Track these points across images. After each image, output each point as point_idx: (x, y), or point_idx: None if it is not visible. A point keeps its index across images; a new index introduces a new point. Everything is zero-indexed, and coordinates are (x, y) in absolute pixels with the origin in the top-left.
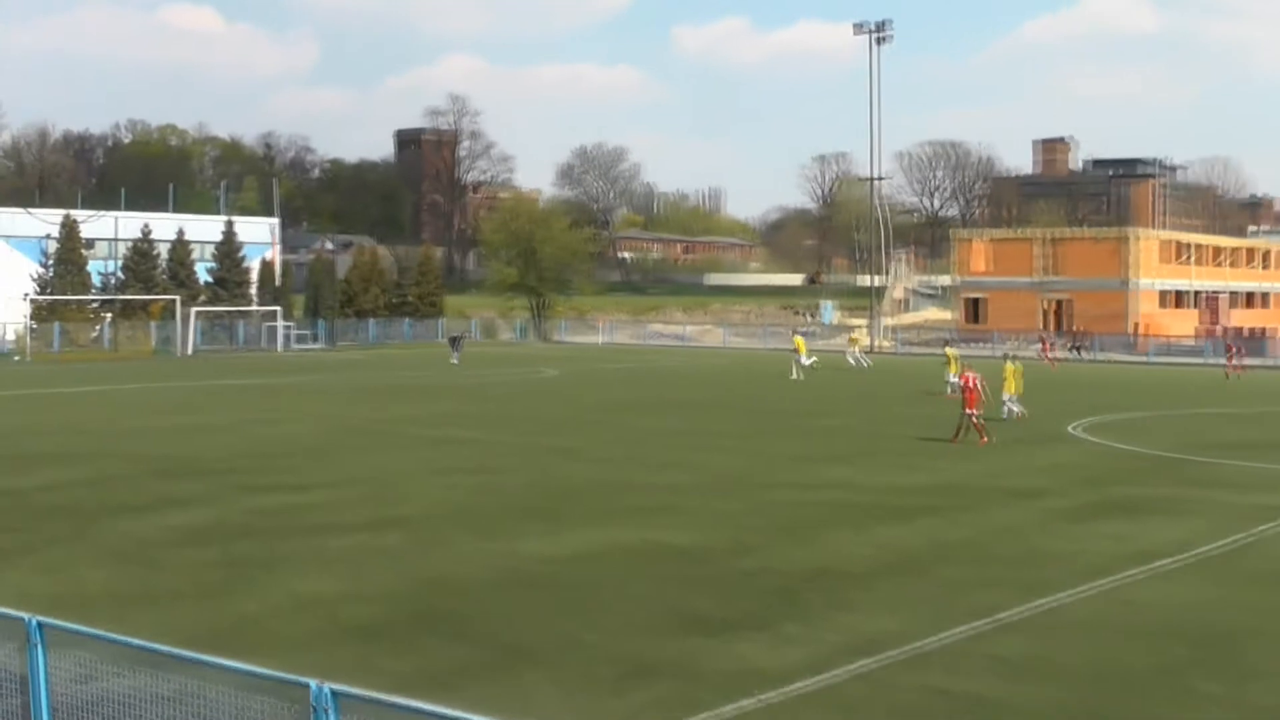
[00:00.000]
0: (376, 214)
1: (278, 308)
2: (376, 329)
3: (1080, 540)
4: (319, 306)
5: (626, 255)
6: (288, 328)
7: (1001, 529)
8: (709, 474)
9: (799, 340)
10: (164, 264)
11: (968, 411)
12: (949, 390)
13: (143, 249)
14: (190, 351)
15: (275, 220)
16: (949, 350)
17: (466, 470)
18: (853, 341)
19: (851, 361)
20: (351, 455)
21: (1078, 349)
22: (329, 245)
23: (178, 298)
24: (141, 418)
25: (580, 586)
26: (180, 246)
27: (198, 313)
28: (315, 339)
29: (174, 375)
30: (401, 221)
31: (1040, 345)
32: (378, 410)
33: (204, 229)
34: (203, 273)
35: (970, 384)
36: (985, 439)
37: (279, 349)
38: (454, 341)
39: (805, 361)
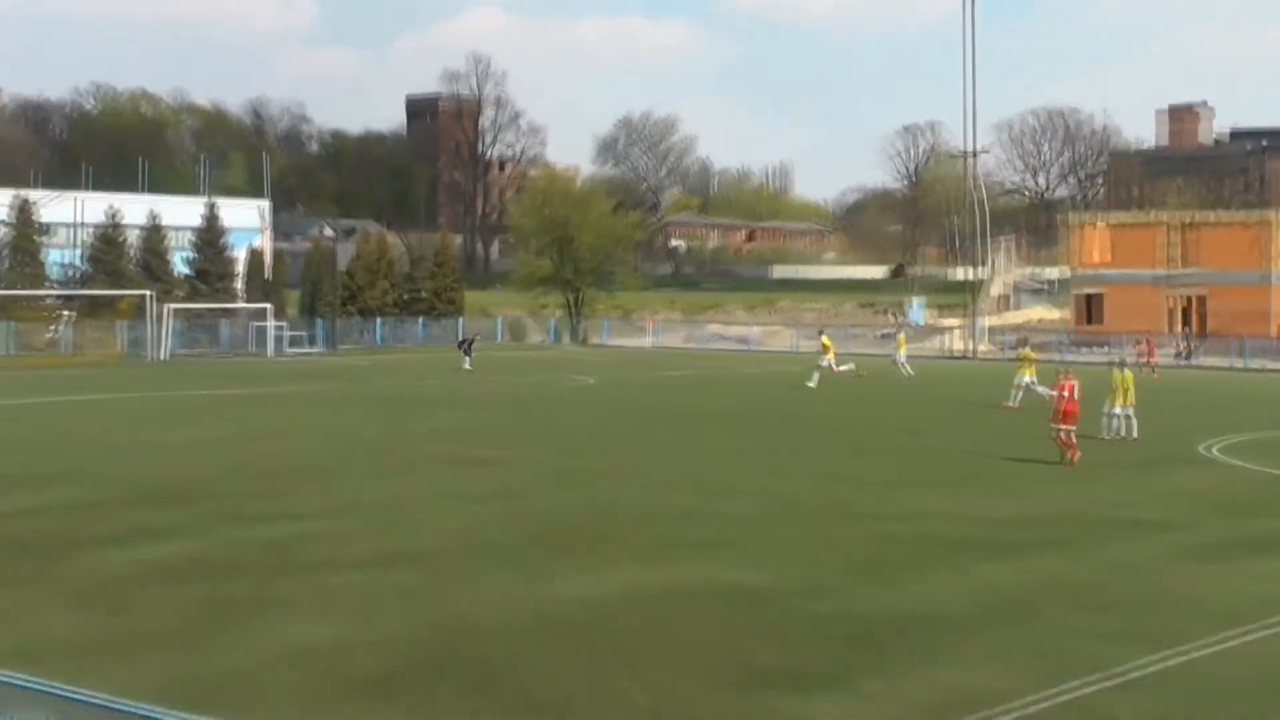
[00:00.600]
0: (385, 195)
1: (268, 305)
2: (384, 330)
3: (1216, 582)
4: (317, 304)
5: (679, 244)
6: (280, 328)
7: (1122, 567)
8: (776, 500)
9: (826, 340)
10: (135, 253)
11: (1059, 426)
12: (1014, 399)
13: (110, 236)
14: (165, 356)
15: (266, 202)
16: (1026, 351)
17: (491, 495)
18: (899, 345)
19: (905, 372)
20: (356, 478)
21: (1186, 353)
22: (329, 232)
23: (150, 293)
24: (109, 434)
25: (625, 633)
26: (154, 233)
27: (174, 311)
28: (312, 342)
29: (147, 384)
30: (414, 204)
31: (1143, 348)
32: (386, 425)
33: (182, 212)
34: (180, 264)
35: (1069, 393)
36: (1075, 457)
37: (270, 353)
38: (464, 345)
39: (839, 368)
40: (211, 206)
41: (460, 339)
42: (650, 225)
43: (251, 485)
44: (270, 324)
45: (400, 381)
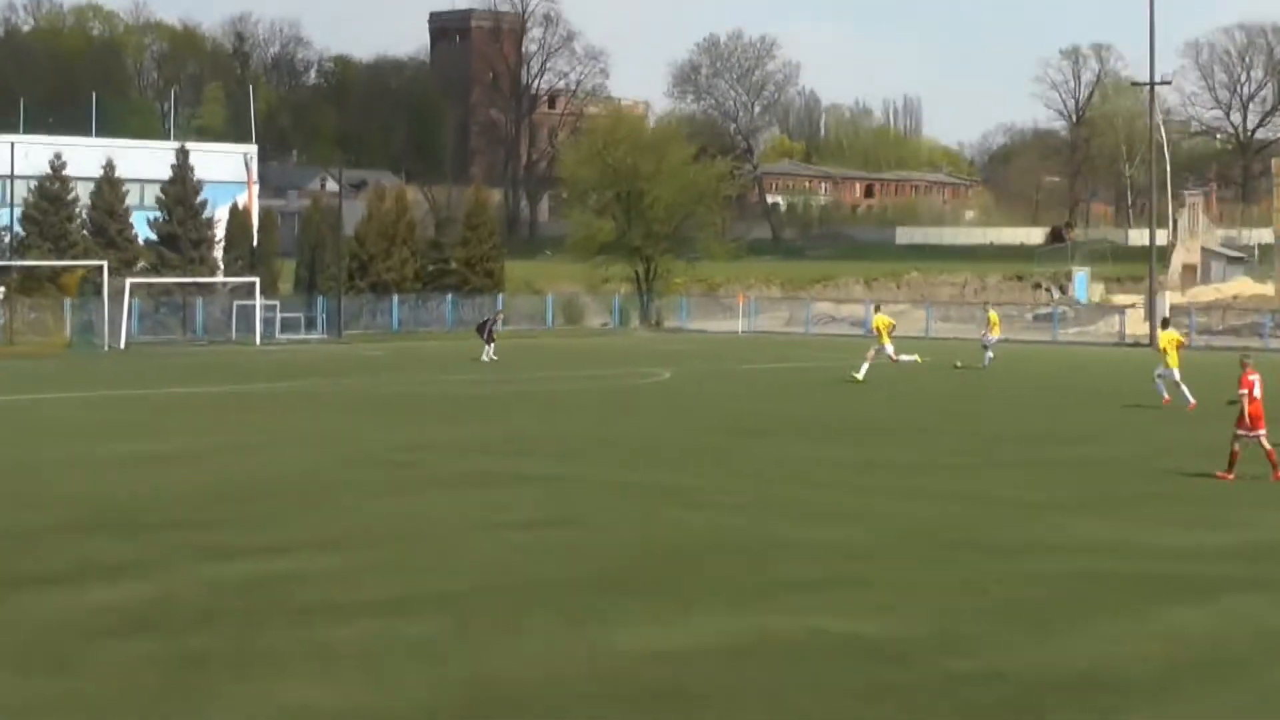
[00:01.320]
0: (403, 139)
1: (255, 279)
2: (403, 311)
3: None
4: (317, 277)
5: (779, 200)
6: (270, 309)
7: None
8: (898, 528)
9: (882, 320)
10: (84, 213)
11: (1248, 433)
12: (1160, 386)
13: (52, 191)
14: (124, 344)
15: (251, 149)
16: (1172, 334)
17: (535, 522)
18: (992, 325)
19: (986, 358)
20: (364, 499)
21: None
22: (332, 186)
23: (105, 264)
24: (54, 443)
25: (712, 697)
26: (108, 187)
27: (136, 286)
28: (311, 325)
29: (99, 380)
30: (440, 150)
31: None
32: (404, 433)
33: (144, 161)
34: (143, 226)
35: (1251, 389)
36: (1233, 471)
37: (257, 340)
38: (483, 329)
39: (900, 356)
40: (182, 154)
41: (482, 321)
42: (742, 177)
43: (231, 509)
44: (258, 303)
45: (423, 377)
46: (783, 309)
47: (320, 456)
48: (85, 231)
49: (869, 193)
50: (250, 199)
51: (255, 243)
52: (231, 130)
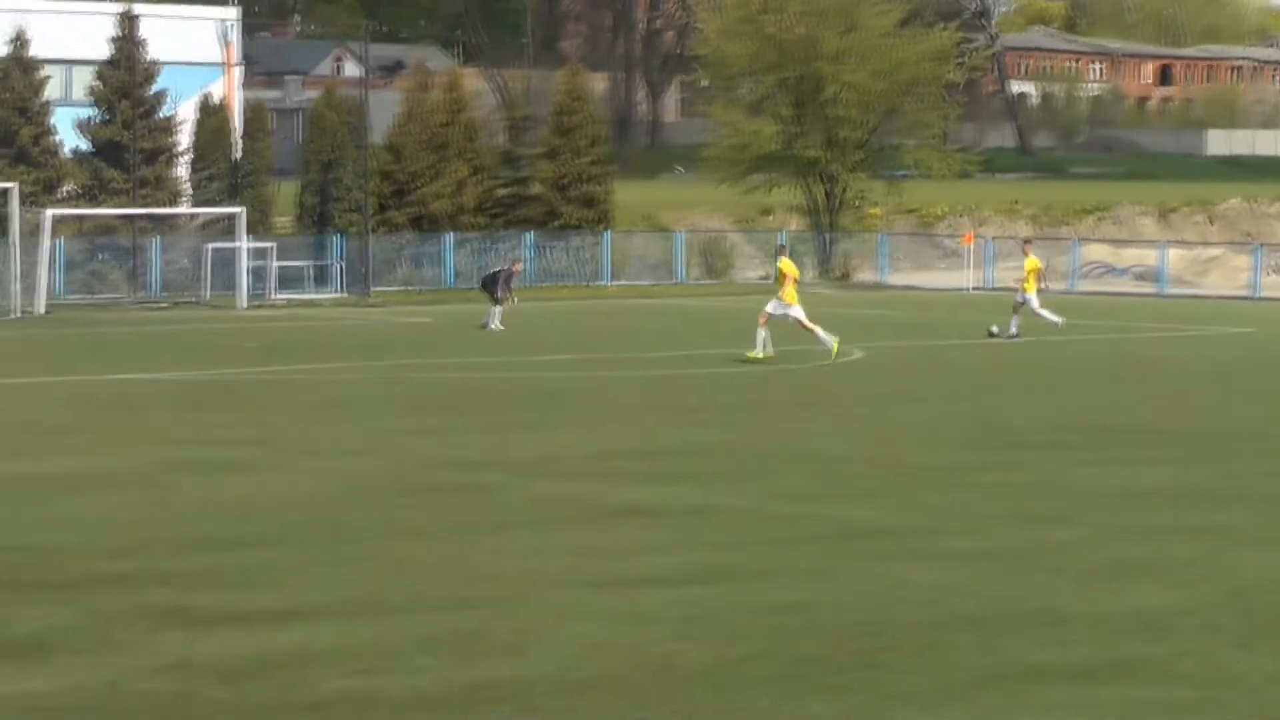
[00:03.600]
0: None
1: (238, 209)
2: (460, 256)
3: None
4: (330, 207)
5: (1028, 90)
6: (261, 254)
7: None
8: (1227, 591)
9: (1034, 262)
10: None
11: None
12: None
13: None
14: (43, 307)
15: (232, 12)
16: None
17: (663, 578)
18: (1028, 280)
19: (1050, 318)
20: (405, 543)
21: None
22: (353, 68)
23: (14, 186)
24: None
25: None
26: (19, 71)
27: (60, 220)
28: (323, 279)
29: (9, 360)
30: (515, 15)
31: None
32: (464, 441)
33: (73, 30)
34: (69, 130)
35: None
36: None
37: (242, 301)
38: (491, 284)
39: (1043, 311)
40: (128, 21)
41: (489, 274)
42: (974, 55)
43: (205, 557)
44: (242, 246)
45: (491, 356)
46: (1033, 253)
47: (338, 478)
48: None
49: (1164, 78)
50: (230, 89)
51: (238, 155)
52: None
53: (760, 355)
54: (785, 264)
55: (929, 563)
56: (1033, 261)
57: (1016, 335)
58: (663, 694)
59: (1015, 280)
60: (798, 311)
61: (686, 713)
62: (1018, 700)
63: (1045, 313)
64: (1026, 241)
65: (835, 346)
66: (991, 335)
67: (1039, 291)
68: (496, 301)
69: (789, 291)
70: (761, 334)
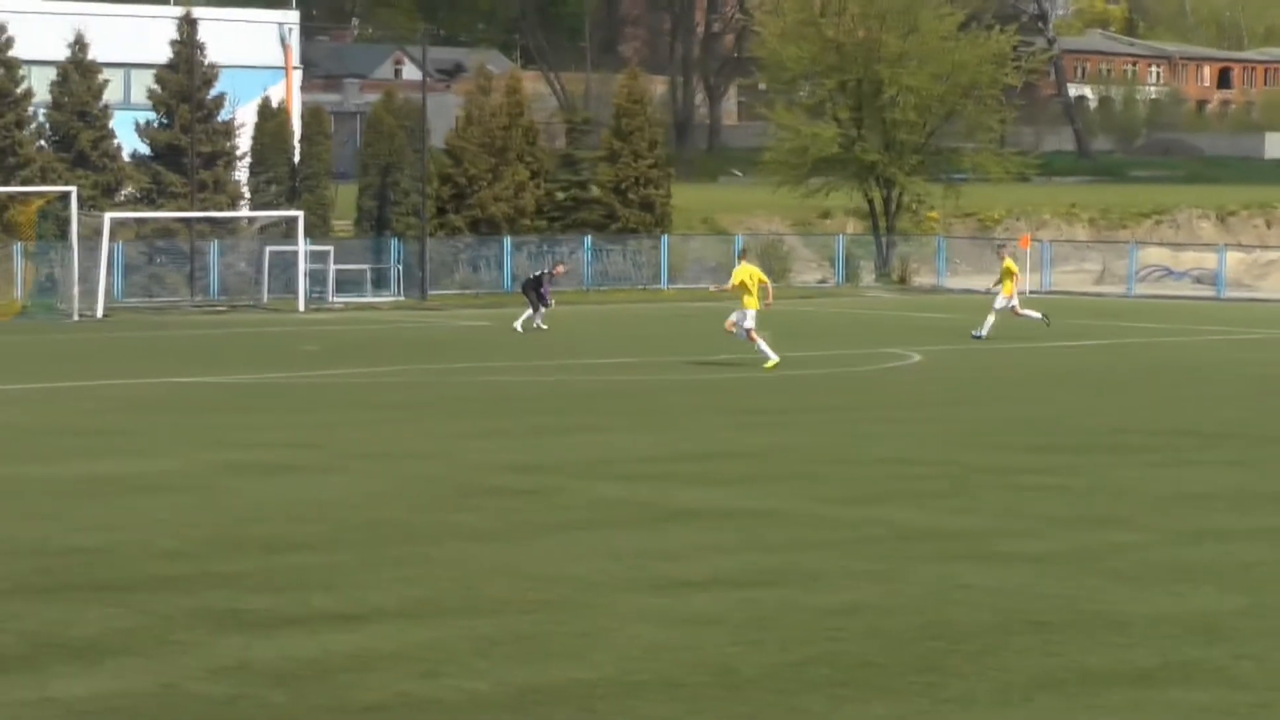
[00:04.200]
0: (519, 1)
1: (297, 213)
2: (518, 260)
3: None
4: (389, 211)
5: (1085, 93)
6: (320, 257)
7: None
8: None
9: (1010, 264)
10: (41, 114)
11: None
12: None
13: None
14: (101, 310)
15: (291, 17)
16: None
17: (721, 580)
18: (1006, 278)
19: (1031, 316)
20: (462, 546)
21: None
22: (412, 72)
23: (73, 190)
24: (2, 460)
25: None
26: (78, 76)
27: (119, 224)
28: (381, 283)
29: (65, 364)
30: (574, 19)
31: None
32: (523, 444)
33: (130, 35)
34: (129, 133)
35: None
36: None
37: (300, 304)
38: (532, 286)
39: (1024, 311)
40: (188, 25)
41: (531, 277)
42: (1032, 58)
43: (260, 560)
44: (301, 249)
45: (549, 359)
46: (1093, 257)
47: (394, 481)
48: (43, 142)
49: (1223, 81)
50: (290, 93)
51: (297, 159)
52: None
53: (777, 359)
54: (745, 269)
55: (988, 565)
56: (1010, 264)
57: (982, 336)
58: (721, 697)
59: (994, 284)
60: (750, 319)
61: (745, 716)
62: (1075, 703)
63: (1028, 312)
64: (1001, 245)
65: (772, 364)
66: (977, 338)
67: (1008, 292)
68: (542, 304)
69: (749, 298)
70: (760, 344)
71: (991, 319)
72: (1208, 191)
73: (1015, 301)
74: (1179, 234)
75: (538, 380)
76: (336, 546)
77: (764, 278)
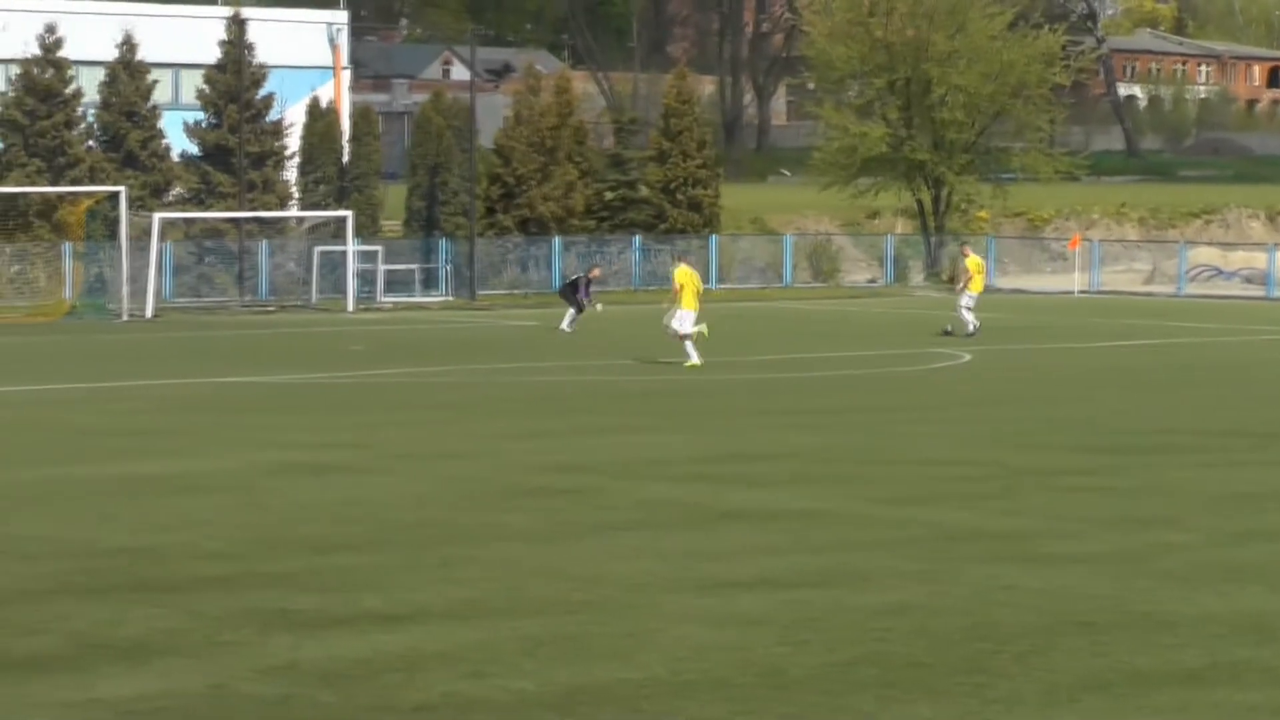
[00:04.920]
0: (567, 2)
1: (346, 213)
2: (567, 260)
3: None
4: (438, 211)
5: (1135, 93)
6: (369, 257)
7: None
8: None
9: (974, 261)
10: (90, 114)
11: None
12: None
13: (43, 81)
14: (151, 310)
15: (340, 17)
16: None
17: (770, 580)
18: (970, 276)
19: (970, 324)
20: (507, 546)
21: None
22: (461, 72)
23: (122, 190)
24: (36, 459)
25: None
26: (127, 76)
27: (168, 224)
28: (431, 282)
29: (114, 363)
30: (622, 19)
31: None
32: (568, 444)
33: (180, 36)
34: (178, 134)
35: None
36: None
37: (349, 304)
38: (572, 290)
39: (966, 311)
40: (237, 25)
41: (569, 281)
42: (1081, 57)
43: (307, 560)
44: (350, 249)
45: (597, 359)
46: (1142, 257)
47: (440, 482)
48: (92, 143)
49: (1274, 80)
50: (338, 93)
51: (346, 159)
52: None
53: (699, 362)
54: (684, 271)
55: (1035, 566)
56: (974, 261)
57: (957, 333)
58: (769, 697)
59: (963, 283)
60: (688, 321)
61: (792, 716)
62: (1123, 705)
63: (969, 315)
64: (963, 244)
65: (693, 364)
66: (946, 333)
67: (961, 291)
68: (579, 308)
69: (687, 299)
70: (689, 345)
71: (968, 315)
72: (1257, 191)
73: (969, 300)
74: (1229, 233)
75: (584, 380)
76: (382, 547)
77: (700, 284)
